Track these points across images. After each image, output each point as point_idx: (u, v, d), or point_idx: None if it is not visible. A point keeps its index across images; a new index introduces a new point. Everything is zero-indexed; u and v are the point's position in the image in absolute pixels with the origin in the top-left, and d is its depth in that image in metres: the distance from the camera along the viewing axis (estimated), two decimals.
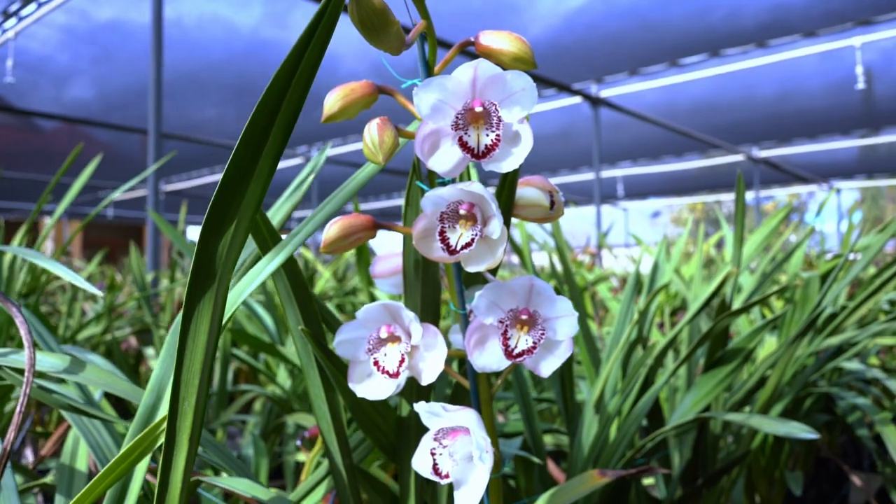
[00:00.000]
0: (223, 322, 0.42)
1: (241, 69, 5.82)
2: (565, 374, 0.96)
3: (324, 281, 2.27)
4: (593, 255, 2.04)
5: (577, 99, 5.61)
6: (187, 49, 5.26)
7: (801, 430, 0.78)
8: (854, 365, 1.23)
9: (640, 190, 11.70)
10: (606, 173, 9.82)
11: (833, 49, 4.64)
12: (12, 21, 4.10)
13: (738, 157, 8.06)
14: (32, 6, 4.00)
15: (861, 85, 4.62)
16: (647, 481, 1.34)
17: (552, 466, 0.95)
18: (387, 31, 0.39)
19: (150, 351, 1.60)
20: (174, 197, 11.70)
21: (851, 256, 1.40)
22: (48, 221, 1.23)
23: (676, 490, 1.07)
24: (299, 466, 1.19)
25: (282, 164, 8.86)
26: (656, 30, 4.50)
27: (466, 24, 4.86)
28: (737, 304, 1.29)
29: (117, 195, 1.21)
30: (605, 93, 5.81)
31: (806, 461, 1.55)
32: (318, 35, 0.33)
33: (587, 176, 9.75)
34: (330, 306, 1.84)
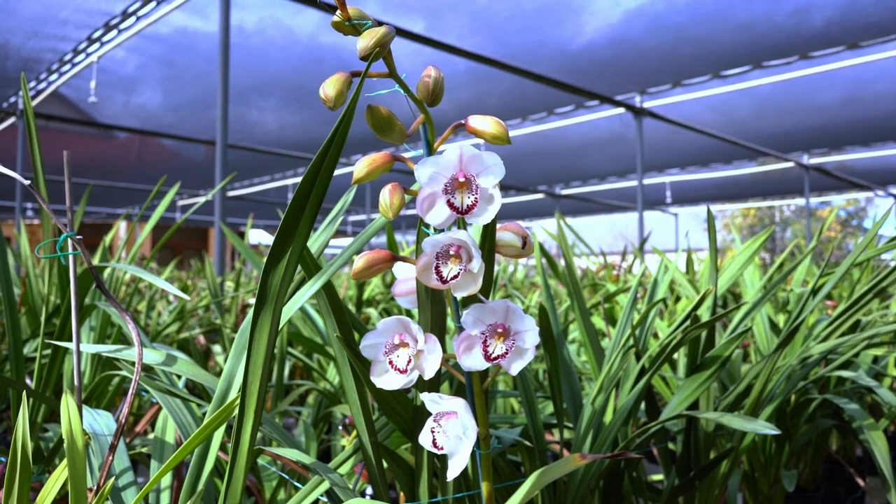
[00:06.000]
0: (278, 329, 0.59)
1: (300, 76, 5.96)
2: (572, 377, 1.11)
3: (372, 286, 2.46)
4: (615, 267, 2.17)
5: (622, 109, 5.70)
6: (247, 54, 5.36)
7: (764, 427, 0.91)
8: (848, 373, 1.33)
9: (689, 196, 11.63)
10: (654, 180, 9.81)
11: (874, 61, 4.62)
12: (95, 45, 4.45)
13: (789, 165, 7.98)
14: (113, 32, 4.34)
15: None
16: (657, 477, 1.48)
17: (565, 452, 1.10)
18: (392, 131, 0.56)
19: (217, 348, 1.80)
20: (236, 202, 12.19)
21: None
22: (120, 223, 1.45)
23: (675, 480, 1.21)
24: (343, 450, 1.37)
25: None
26: (700, 43, 4.56)
27: (517, 28, 4.99)
28: (739, 314, 1.42)
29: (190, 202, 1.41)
30: (651, 103, 5.88)
31: (814, 462, 1.65)
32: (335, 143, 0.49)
33: (634, 183, 9.78)
34: (378, 310, 2.02)
